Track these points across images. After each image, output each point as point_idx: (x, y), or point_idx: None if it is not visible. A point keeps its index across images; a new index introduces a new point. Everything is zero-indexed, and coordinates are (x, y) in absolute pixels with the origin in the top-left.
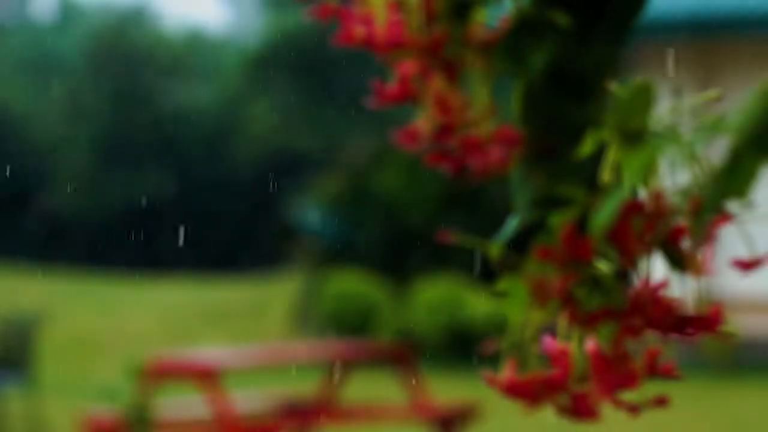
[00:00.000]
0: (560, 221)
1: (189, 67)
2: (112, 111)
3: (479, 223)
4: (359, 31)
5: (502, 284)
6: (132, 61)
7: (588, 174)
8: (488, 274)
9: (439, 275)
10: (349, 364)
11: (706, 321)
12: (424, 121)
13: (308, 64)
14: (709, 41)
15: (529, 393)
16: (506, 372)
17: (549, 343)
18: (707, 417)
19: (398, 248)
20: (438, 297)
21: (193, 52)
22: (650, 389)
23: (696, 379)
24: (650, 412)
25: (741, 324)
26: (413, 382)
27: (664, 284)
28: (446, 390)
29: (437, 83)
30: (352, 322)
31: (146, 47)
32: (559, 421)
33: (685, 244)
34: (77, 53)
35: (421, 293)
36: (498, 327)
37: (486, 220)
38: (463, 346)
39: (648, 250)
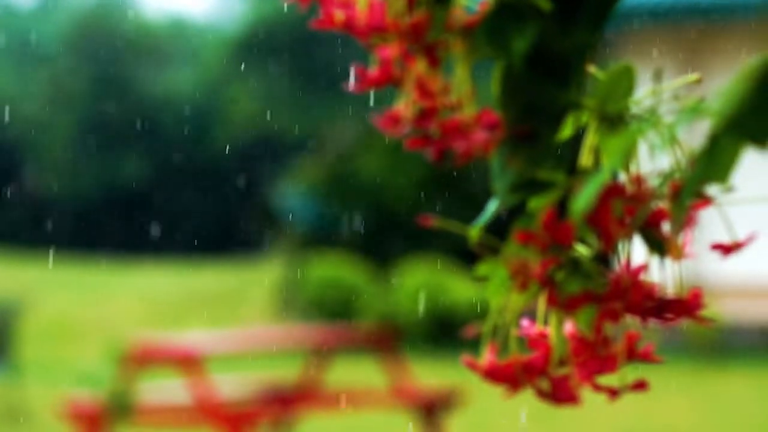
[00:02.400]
0: (540, 205)
1: (171, 53)
2: (94, 96)
3: (464, 207)
4: (339, 15)
5: (482, 268)
6: (113, 47)
7: (568, 157)
8: (472, 258)
9: (422, 260)
10: (332, 349)
11: (685, 305)
12: (405, 105)
13: (290, 50)
14: (692, 26)
15: (508, 377)
16: (486, 356)
17: (528, 326)
18: (693, 402)
19: (381, 232)
20: (421, 281)
21: (175, 37)
22: (636, 375)
23: (682, 365)
24: (636, 397)
25: (726, 309)
26: (396, 367)
27: (643, 268)
28: (430, 375)
29: (418, 67)
30: (334, 307)
31: (128, 32)
32: (543, 405)
33: (666, 228)
34: (59, 39)
35: (404, 278)
36: (482, 311)
37: (472, 204)
38: (446, 331)
39: (628, 234)
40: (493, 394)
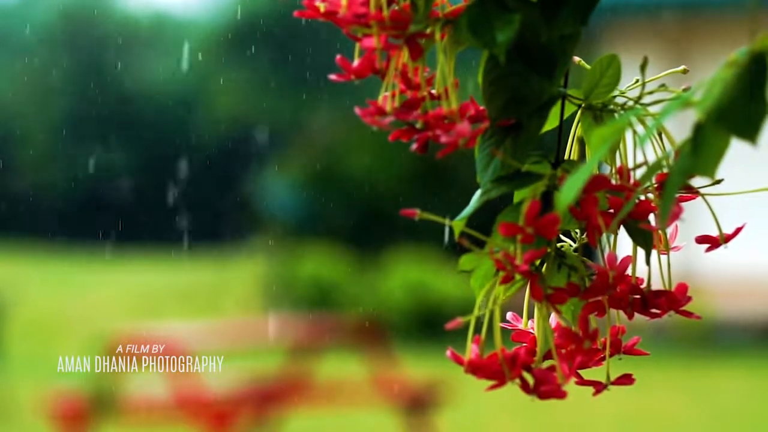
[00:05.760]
0: (525, 197)
1: (154, 46)
2: (76, 89)
3: (453, 199)
4: (322, 4)
5: (466, 261)
6: (97, 40)
7: (553, 149)
8: (461, 251)
9: (409, 252)
10: (318, 343)
11: (672, 299)
12: (388, 97)
13: (274, 42)
14: (678, 18)
15: (492, 371)
16: (470, 350)
17: (514, 320)
18: (684, 399)
19: (367, 225)
20: (408, 274)
21: (158, 30)
22: (627, 369)
23: (673, 362)
24: (627, 393)
25: (720, 304)
26: (383, 361)
27: (629, 261)
28: (418, 369)
29: (401, 58)
30: (319, 300)
31: (111, 25)
32: (532, 401)
33: (652, 220)
34: (41, 31)
35: (393, 270)
36: (470, 304)
37: (460, 196)
38: (434, 324)
39: (614, 227)
40: (483, 387)
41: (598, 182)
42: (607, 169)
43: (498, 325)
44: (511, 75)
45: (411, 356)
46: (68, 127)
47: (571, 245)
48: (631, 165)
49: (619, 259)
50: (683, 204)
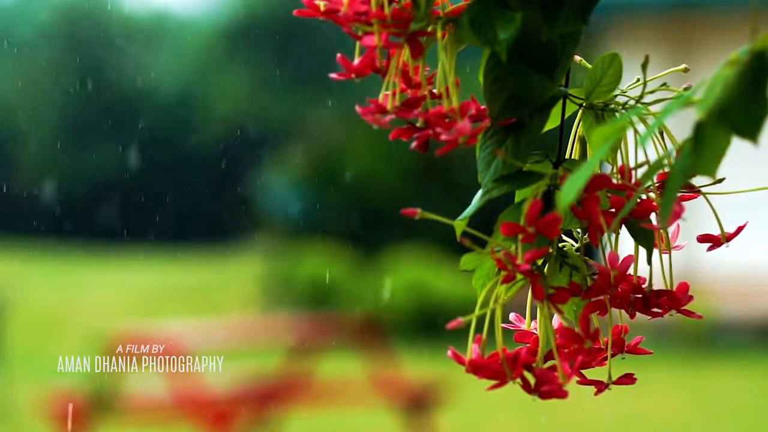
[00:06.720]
0: (527, 196)
1: (154, 45)
2: (75, 88)
3: (455, 198)
4: (322, 3)
5: (467, 260)
6: (97, 39)
7: (554, 148)
8: (463, 250)
9: (410, 251)
10: (318, 343)
11: (673, 298)
12: (389, 95)
13: (275, 41)
14: (680, 17)
15: (494, 371)
16: (472, 350)
17: (516, 321)
18: (684, 399)
19: (367, 223)
20: (409, 273)
21: (158, 30)
22: (633, 371)
23: (674, 361)
24: (628, 393)
25: (722, 304)
26: (384, 360)
27: (630, 261)
28: (419, 369)
29: (402, 56)
30: (321, 300)
31: (110, 25)
32: (534, 401)
33: (653, 220)
34: (40, 31)
35: (393, 270)
36: (472, 304)
37: (462, 196)
38: (436, 324)
39: (615, 226)
40: (484, 387)
41: (599, 181)
42: (608, 168)
43: (499, 324)
44: (511, 74)
45: (411, 356)
46: (68, 127)
47: (572, 245)
48: (632, 164)
49: (620, 259)
50: (684, 203)
